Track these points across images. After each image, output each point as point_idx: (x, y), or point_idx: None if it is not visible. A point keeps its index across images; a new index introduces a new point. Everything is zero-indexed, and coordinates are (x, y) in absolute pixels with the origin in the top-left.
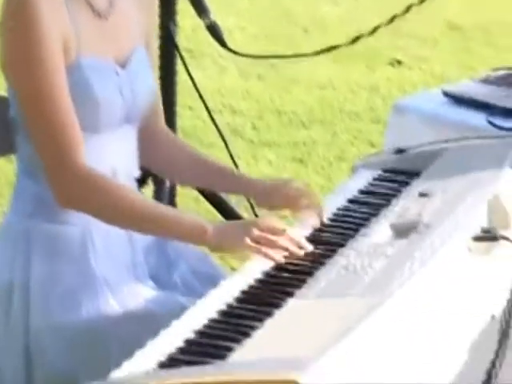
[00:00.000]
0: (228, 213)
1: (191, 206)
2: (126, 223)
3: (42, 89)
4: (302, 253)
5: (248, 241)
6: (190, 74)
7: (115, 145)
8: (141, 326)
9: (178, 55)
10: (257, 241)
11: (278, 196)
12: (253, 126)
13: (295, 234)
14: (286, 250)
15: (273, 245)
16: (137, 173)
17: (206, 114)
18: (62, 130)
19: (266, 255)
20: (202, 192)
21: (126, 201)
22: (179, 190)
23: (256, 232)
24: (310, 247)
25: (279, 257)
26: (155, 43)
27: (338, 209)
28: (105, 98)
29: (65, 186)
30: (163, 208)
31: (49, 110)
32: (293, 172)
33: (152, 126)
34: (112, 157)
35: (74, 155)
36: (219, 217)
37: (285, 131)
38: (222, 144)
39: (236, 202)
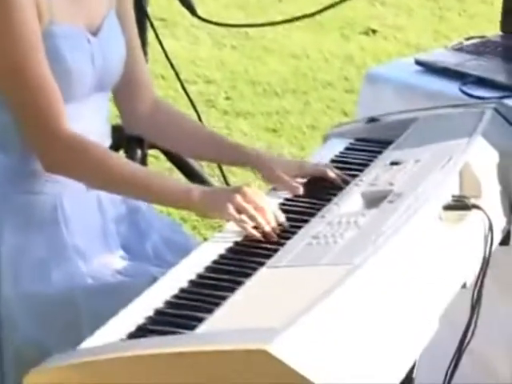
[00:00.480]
0: (201, 184)
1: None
2: (111, 187)
3: (20, 54)
4: (274, 236)
5: (231, 208)
6: (161, 44)
7: (86, 114)
8: (112, 297)
9: (149, 24)
10: (238, 210)
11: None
12: (226, 96)
13: (272, 214)
14: (261, 228)
15: (252, 219)
16: (108, 142)
17: (178, 83)
18: (44, 94)
19: (245, 229)
20: (176, 163)
21: (112, 164)
22: (151, 160)
23: (240, 200)
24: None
25: (256, 233)
26: (131, 10)
27: (310, 179)
28: (77, 67)
29: (49, 150)
30: (149, 172)
31: (29, 76)
32: (266, 142)
33: (140, 95)
34: (83, 126)
35: (58, 120)
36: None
37: (258, 101)
38: (195, 114)
39: (209, 172)
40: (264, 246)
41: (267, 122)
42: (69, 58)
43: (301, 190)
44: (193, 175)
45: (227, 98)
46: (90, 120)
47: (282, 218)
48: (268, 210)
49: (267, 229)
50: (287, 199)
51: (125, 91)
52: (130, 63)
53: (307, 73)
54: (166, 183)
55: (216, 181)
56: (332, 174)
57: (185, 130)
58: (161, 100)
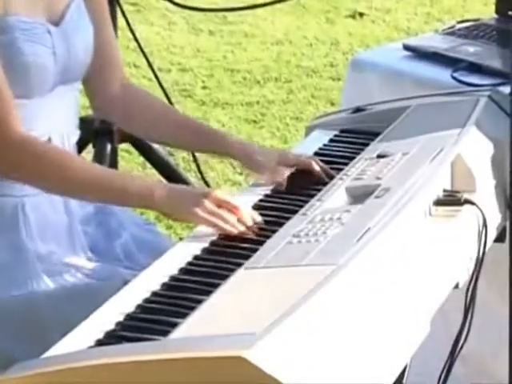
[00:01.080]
0: (176, 179)
1: (137, 172)
2: (71, 192)
3: None
4: (251, 235)
5: (200, 213)
6: (131, 29)
7: (49, 109)
8: (80, 301)
9: (119, 9)
10: (209, 214)
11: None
12: (203, 85)
13: (248, 214)
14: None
15: (226, 221)
16: (76, 136)
17: (151, 72)
18: None
19: (220, 228)
20: (149, 157)
21: (72, 168)
22: (123, 154)
23: (209, 204)
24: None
25: (233, 229)
26: None
27: (292, 173)
28: (36, 61)
29: (2, 156)
30: (109, 172)
31: None
32: (246, 134)
33: (111, 77)
34: (46, 123)
35: (7, 121)
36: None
37: (238, 90)
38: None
39: (185, 167)
40: (242, 245)
41: (247, 112)
42: (27, 51)
43: (283, 178)
44: (167, 170)
45: (204, 88)
46: (55, 114)
47: (259, 217)
48: (243, 209)
49: (242, 229)
50: (267, 195)
51: (96, 74)
52: (102, 46)
53: (290, 60)
54: (128, 183)
55: (192, 176)
56: (316, 166)
57: (157, 114)
58: (131, 83)
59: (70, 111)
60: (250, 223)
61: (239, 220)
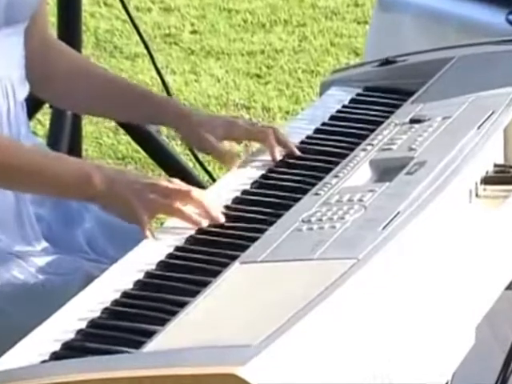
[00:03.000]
0: (156, 149)
1: (107, 140)
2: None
3: None
4: (204, 223)
5: (143, 216)
6: None
7: None
8: (31, 304)
9: None
10: (154, 210)
11: (223, 129)
12: (193, 29)
13: (203, 196)
14: (186, 218)
15: (171, 210)
16: (24, 92)
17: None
18: None
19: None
20: (139, 139)
21: (3, 155)
22: (89, 118)
23: (154, 199)
24: (221, 217)
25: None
26: None
27: (302, 142)
28: None
29: None
30: (41, 157)
31: None
32: (247, 91)
33: (40, 33)
34: None
35: None
36: (143, 154)
37: (236, 36)
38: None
39: (168, 134)
40: (237, 233)
41: (249, 64)
42: None
43: (233, 159)
44: (146, 138)
45: (194, 32)
46: None
47: (217, 213)
48: (193, 193)
49: (195, 218)
50: (270, 170)
51: None
52: None
53: None
54: (63, 168)
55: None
56: (272, 140)
57: (78, 72)
58: (53, 38)
59: (16, 60)
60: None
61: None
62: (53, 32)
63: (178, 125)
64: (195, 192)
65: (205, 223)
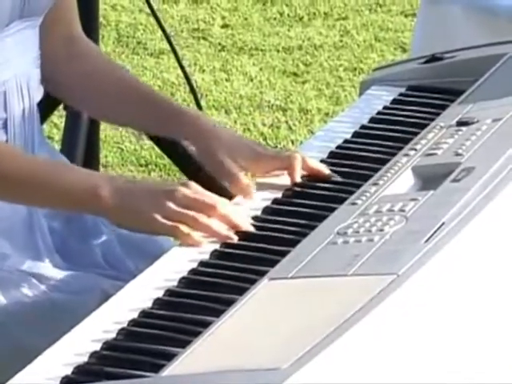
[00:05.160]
0: (181, 156)
1: (128, 146)
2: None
3: None
4: (234, 237)
5: (160, 219)
6: None
7: (4, 53)
8: (42, 324)
9: None
10: (172, 220)
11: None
12: (224, 22)
13: (230, 209)
14: (213, 233)
15: (196, 224)
16: (39, 93)
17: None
18: None
19: (187, 239)
20: (162, 146)
21: (4, 166)
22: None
23: (172, 207)
24: (250, 228)
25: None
26: None
27: (339, 147)
28: None
29: None
30: (47, 166)
31: None
32: (283, 91)
33: (60, 31)
34: (1, 71)
35: None
36: (167, 160)
37: (272, 31)
38: (173, 52)
39: None
40: (266, 247)
41: (285, 61)
42: None
43: (253, 193)
44: (174, 148)
45: (225, 26)
46: (11, 60)
47: (246, 224)
48: (219, 206)
49: (221, 231)
50: (304, 178)
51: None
52: None
53: None
54: (68, 179)
55: None
56: (297, 167)
57: (101, 77)
58: (80, 37)
59: (30, 56)
60: (230, 225)
61: (219, 219)
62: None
63: (198, 143)
64: (221, 205)
65: (236, 238)
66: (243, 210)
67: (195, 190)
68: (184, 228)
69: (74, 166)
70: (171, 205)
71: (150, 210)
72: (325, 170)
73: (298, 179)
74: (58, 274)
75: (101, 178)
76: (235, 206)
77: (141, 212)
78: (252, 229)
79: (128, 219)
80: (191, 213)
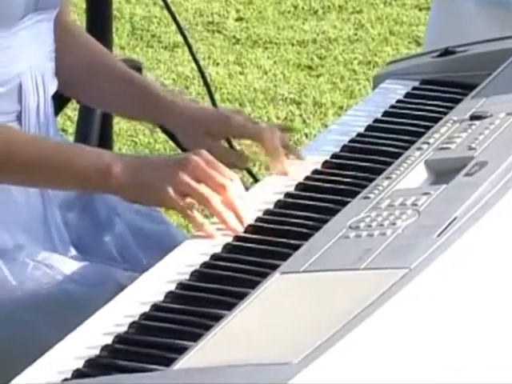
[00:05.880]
0: None
1: (142, 138)
2: (11, 177)
3: None
4: (240, 230)
5: (171, 193)
6: None
7: (17, 45)
8: (56, 316)
9: None
10: (184, 193)
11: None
12: (238, 15)
13: (238, 194)
14: (222, 221)
15: (205, 203)
16: (55, 87)
17: None
18: None
19: (193, 221)
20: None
21: (14, 148)
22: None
23: (185, 178)
24: (247, 221)
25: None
26: None
27: (352, 140)
28: None
29: None
30: (59, 147)
31: None
32: (297, 84)
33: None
34: (14, 64)
35: None
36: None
37: (286, 24)
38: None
39: None
40: (278, 241)
41: (300, 54)
42: None
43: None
44: None
45: (239, 19)
46: (26, 53)
47: (246, 211)
48: (231, 189)
49: (228, 219)
50: (316, 171)
51: None
52: None
53: None
54: (78, 158)
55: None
56: (268, 140)
57: (92, 66)
58: (72, 26)
59: (45, 48)
60: (241, 212)
61: (225, 203)
62: (78, 19)
63: (171, 123)
64: (230, 188)
65: (240, 229)
66: (250, 200)
67: (207, 160)
68: (199, 216)
69: (84, 146)
70: (183, 175)
71: (162, 181)
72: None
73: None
74: (73, 265)
75: (111, 156)
76: (243, 192)
77: (153, 184)
78: (249, 222)
79: (141, 194)
80: (204, 190)
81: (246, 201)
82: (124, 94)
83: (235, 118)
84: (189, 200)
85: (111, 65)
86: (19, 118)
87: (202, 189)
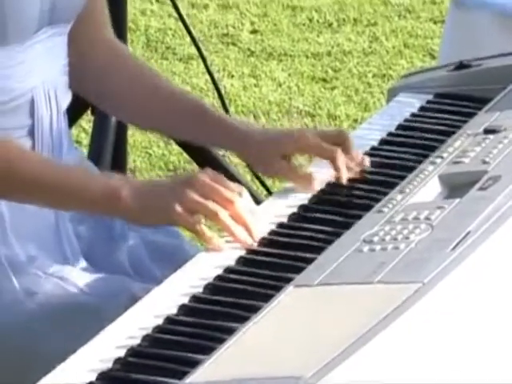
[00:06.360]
0: (209, 161)
1: (157, 150)
2: (12, 195)
3: None
4: (250, 243)
5: (179, 209)
6: None
7: (31, 59)
8: (68, 328)
9: None
10: (192, 210)
11: (288, 143)
12: (253, 28)
13: (246, 208)
14: (231, 234)
15: (213, 217)
16: (67, 99)
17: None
18: None
19: (202, 235)
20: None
21: (9, 167)
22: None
23: (191, 195)
24: (258, 235)
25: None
26: None
27: (366, 153)
28: None
29: None
30: (64, 169)
31: None
32: (312, 96)
33: (89, 33)
34: (26, 78)
35: None
36: (196, 165)
37: (301, 36)
38: (201, 57)
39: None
40: (292, 254)
41: (314, 67)
42: None
43: (316, 184)
44: (201, 152)
45: (254, 32)
46: (39, 67)
47: (256, 224)
48: (239, 203)
49: (238, 232)
50: (329, 184)
51: (76, 32)
52: None
53: None
54: (83, 181)
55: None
56: (339, 160)
57: (141, 83)
58: (119, 44)
59: (59, 63)
60: (250, 225)
61: (234, 217)
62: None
63: (239, 150)
64: (240, 202)
65: (250, 242)
66: (260, 214)
67: (214, 177)
68: (207, 231)
69: (92, 170)
70: (190, 193)
71: (169, 200)
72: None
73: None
74: (85, 277)
75: (119, 181)
76: (253, 205)
77: (160, 204)
78: (259, 236)
79: (148, 216)
80: (212, 205)
81: (255, 214)
82: (191, 123)
83: (308, 135)
84: (197, 216)
85: (172, 91)
86: (31, 133)
87: (210, 204)
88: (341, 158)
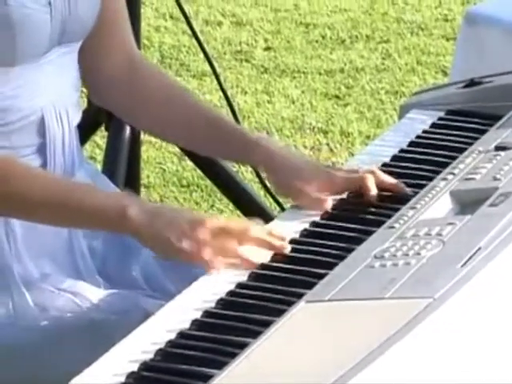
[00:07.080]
0: (223, 177)
1: (170, 166)
2: (18, 213)
3: None
4: (256, 263)
5: (176, 243)
6: None
7: (41, 78)
8: (81, 344)
9: None
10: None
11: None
12: (266, 45)
13: (263, 232)
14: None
15: (231, 253)
16: (77, 116)
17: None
18: None
19: (207, 265)
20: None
21: (6, 177)
22: (147, 139)
23: (202, 235)
24: (286, 248)
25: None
26: None
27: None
28: (24, 13)
29: None
30: (72, 186)
31: None
32: (325, 113)
33: (112, 57)
34: (36, 97)
35: None
36: (209, 181)
37: (314, 53)
38: (214, 74)
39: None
40: (303, 269)
41: (327, 84)
42: (11, 2)
43: (329, 206)
44: (211, 167)
45: (267, 48)
46: (49, 85)
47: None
48: (251, 231)
49: (273, 242)
50: (342, 200)
51: (91, 44)
52: (106, 7)
53: (388, 11)
54: (90, 200)
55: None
56: (370, 184)
57: (171, 104)
58: (146, 63)
59: (69, 81)
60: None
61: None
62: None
63: (272, 170)
64: (255, 227)
65: (264, 259)
66: (280, 229)
67: (224, 223)
68: (206, 253)
69: (106, 185)
70: (194, 234)
71: (175, 238)
72: (398, 184)
73: (373, 198)
74: (99, 293)
75: (130, 200)
76: (268, 227)
77: (167, 240)
78: (288, 249)
79: (155, 243)
80: (225, 242)
81: (274, 231)
82: (214, 138)
83: (336, 174)
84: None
85: (199, 108)
86: (40, 151)
87: (220, 241)
88: (370, 185)
